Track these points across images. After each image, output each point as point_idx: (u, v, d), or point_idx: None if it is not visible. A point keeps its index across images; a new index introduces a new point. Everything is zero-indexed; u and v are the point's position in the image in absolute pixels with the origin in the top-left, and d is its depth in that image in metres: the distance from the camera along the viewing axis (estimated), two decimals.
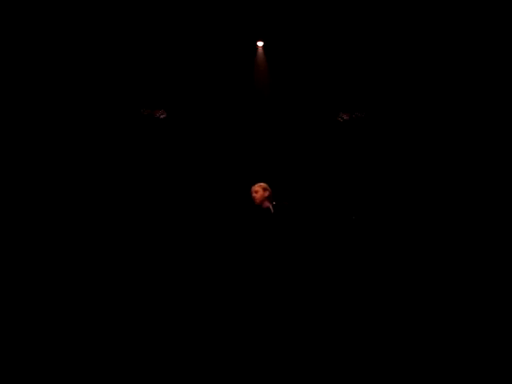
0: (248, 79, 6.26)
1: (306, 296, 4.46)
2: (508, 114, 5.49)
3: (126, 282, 5.21)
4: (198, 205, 5.98)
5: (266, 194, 4.38)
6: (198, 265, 5.47)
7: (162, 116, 5.98)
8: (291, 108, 6.26)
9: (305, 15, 5.91)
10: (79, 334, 4.19)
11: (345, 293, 4.98)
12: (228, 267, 5.12)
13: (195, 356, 3.81)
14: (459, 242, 5.41)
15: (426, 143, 5.91)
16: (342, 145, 6.19)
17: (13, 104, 5.53)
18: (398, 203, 5.87)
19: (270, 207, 4.38)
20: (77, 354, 3.83)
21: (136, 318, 4.55)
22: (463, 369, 3.48)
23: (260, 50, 6.20)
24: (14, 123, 5.53)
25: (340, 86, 6.17)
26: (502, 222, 5.35)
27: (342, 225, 5.73)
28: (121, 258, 5.48)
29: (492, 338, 3.94)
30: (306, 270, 4.59)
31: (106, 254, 5.49)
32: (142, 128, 6.08)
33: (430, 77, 5.92)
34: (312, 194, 6.01)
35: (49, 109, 5.72)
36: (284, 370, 3.58)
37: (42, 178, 5.60)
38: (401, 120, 6.05)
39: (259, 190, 4.37)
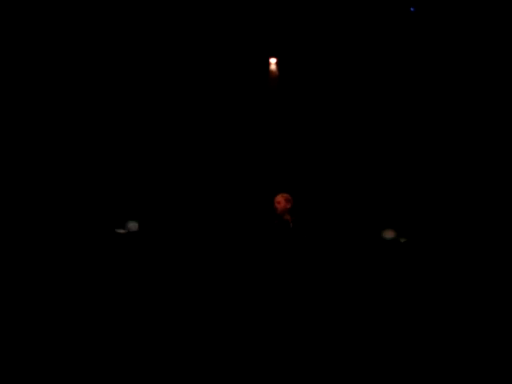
0: (261, 95, 6.30)
1: (315, 307, 4.42)
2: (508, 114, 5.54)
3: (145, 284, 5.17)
4: (216, 211, 5.98)
5: (288, 205, 4.33)
6: (208, 270, 5.43)
7: None
8: (306, 122, 6.29)
9: (316, 31, 6.00)
10: (79, 334, 4.15)
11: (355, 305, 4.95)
12: (239, 274, 5.11)
13: (196, 356, 3.78)
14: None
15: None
16: (359, 156, 6.19)
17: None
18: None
19: (290, 221, 4.35)
20: (77, 354, 3.79)
21: (138, 319, 4.51)
22: (463, 369, 3.47)
23: (273, 67, 6.25)
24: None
25: (352, 98, 6.21)
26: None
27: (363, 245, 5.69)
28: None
29: (492, 339, 3.92)
30: (318, 286, 4.56)
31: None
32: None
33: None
34: (331, 210, 5.98)
35: None
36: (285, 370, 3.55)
37: None
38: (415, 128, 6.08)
39: (281, 201, 4.32)
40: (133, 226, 5.69)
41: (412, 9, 5.94)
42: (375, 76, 6.16)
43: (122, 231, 5.62)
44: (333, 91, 6.22)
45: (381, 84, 6.16)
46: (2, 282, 4.89)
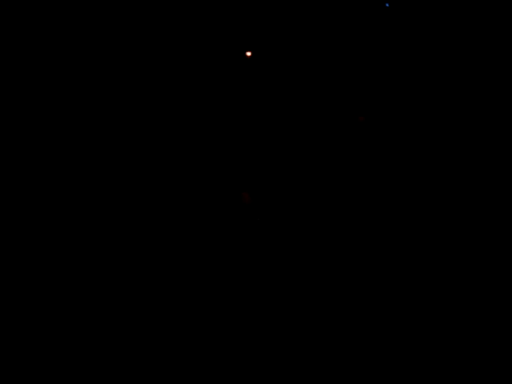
0: (237, 88, 6.33)
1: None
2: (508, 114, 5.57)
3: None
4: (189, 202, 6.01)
5: (256, 200, 4.40)
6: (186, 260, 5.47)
7: None
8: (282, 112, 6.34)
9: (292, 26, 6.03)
10: (79, 334, 4.17)
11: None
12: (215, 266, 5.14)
13: (194, 356, 3.81)
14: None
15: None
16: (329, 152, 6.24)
17: None
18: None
19: (257, 216, 4.42)
20: (76, 354, 3.81)
21: (134, 317, 4.54)
22: (464, 369, 3.50)
23: (248, 60, 6.28)
24: None
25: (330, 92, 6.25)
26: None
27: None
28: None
29: (492, 339, 3.96)
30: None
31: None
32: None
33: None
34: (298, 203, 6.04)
35: None
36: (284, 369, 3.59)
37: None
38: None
39: (248, 198, 4.38)
40: None
41: (387, 4, 5.98)
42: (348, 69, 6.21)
43: None
44: (304, 84, 6.27)
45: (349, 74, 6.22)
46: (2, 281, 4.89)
